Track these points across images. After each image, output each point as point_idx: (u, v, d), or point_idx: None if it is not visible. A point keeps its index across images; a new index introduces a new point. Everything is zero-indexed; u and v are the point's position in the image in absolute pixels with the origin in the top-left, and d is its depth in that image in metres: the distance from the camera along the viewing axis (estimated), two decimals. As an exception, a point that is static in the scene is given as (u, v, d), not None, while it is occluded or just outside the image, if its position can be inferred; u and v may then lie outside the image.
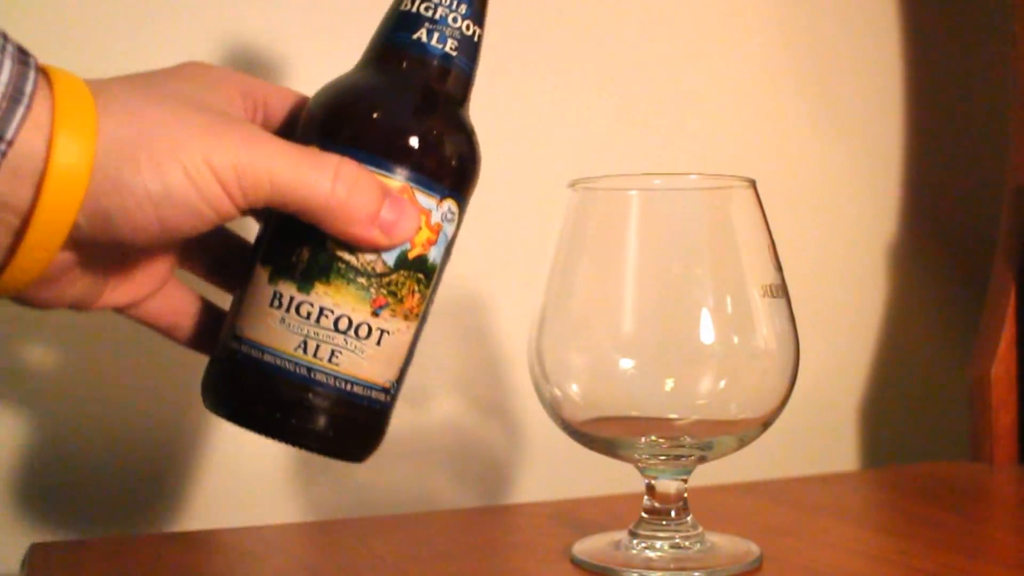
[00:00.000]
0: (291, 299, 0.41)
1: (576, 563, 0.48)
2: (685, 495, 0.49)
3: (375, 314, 0.41)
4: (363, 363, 0.42)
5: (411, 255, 0.42)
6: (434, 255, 0.43)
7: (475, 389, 0.70)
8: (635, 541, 0.49)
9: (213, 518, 0.63)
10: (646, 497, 0.50)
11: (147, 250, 0.42)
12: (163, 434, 0.63)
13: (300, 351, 0.41)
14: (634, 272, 0.48)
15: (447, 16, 0.43)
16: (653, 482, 0.49)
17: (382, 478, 0.67)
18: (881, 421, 0.84)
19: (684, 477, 0.49)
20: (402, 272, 0.42)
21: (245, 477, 0.64)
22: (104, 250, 0.40)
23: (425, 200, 0.42)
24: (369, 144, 0.41)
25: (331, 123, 0.42)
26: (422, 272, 0.43)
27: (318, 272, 0.41)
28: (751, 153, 0.79)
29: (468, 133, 0.45)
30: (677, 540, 0.49)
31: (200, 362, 0.64)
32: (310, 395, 0.41)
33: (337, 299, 0.41)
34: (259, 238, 0.44)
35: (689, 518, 0.49)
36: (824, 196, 0.82)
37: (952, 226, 0.87)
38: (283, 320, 0.41)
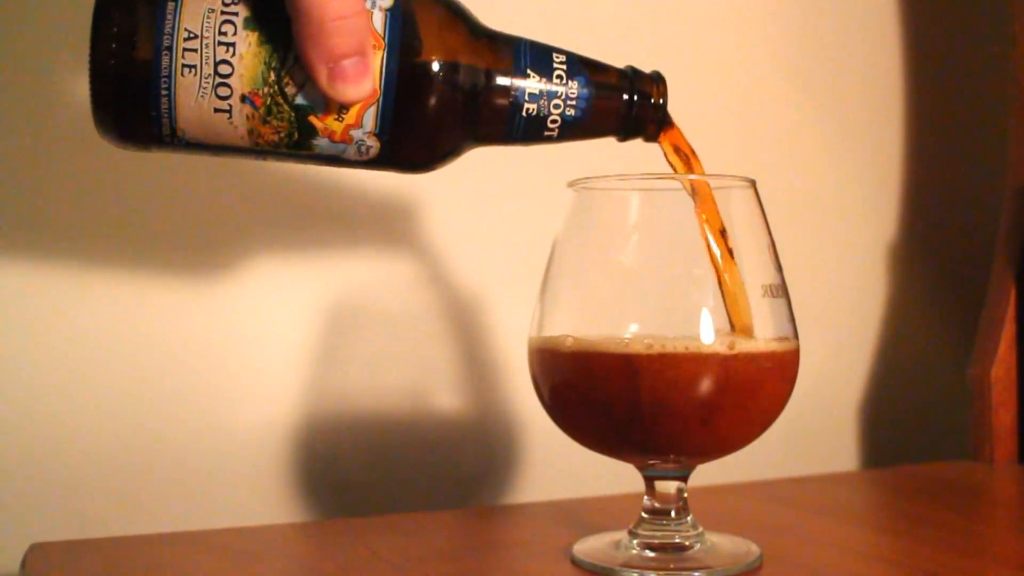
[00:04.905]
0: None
1: (576, 563, 0.48)
2: (685, 495, 0.49)
3: (242, 100, 0.41)
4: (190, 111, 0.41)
5: (315, 115, 0.42)
6: (323, 146, 0.43)
7: (475, 389, 0.70)
8: (635, 541, 0.49)
9: (213, 518, 0.63)
10: (646, 497, 0.50)
11: None
12: (163, 434, 0.63)
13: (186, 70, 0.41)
14: (634, 272, 0.48)
15: (554, 101, 0.44)
16: (653, 482, 0.49)
17: (382, 478, 0.67)
18: (881, 421, 0.84)
19: (684, 477, 0.49)
20: (293, 112, 0.42)
21: (245, 477, 0.64)
22: None
23: (372, 114, 0.42)
24: (405, 42, 0.42)
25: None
26: (302, 135, 0.42)
27: (262, 36, 0.41)
28: (751, 153, 0.79)
29: (421, 166, 0.46)
30: (677, 540, 0.49)
31: (201, 366, 0.64)
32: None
33: (246, 65, 0.41)
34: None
35: (689, 518, 0.49)
36: (824, 196, 0.82)
37: (952, 226, 0.87)
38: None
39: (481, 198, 0.70)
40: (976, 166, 0.87)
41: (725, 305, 0.46)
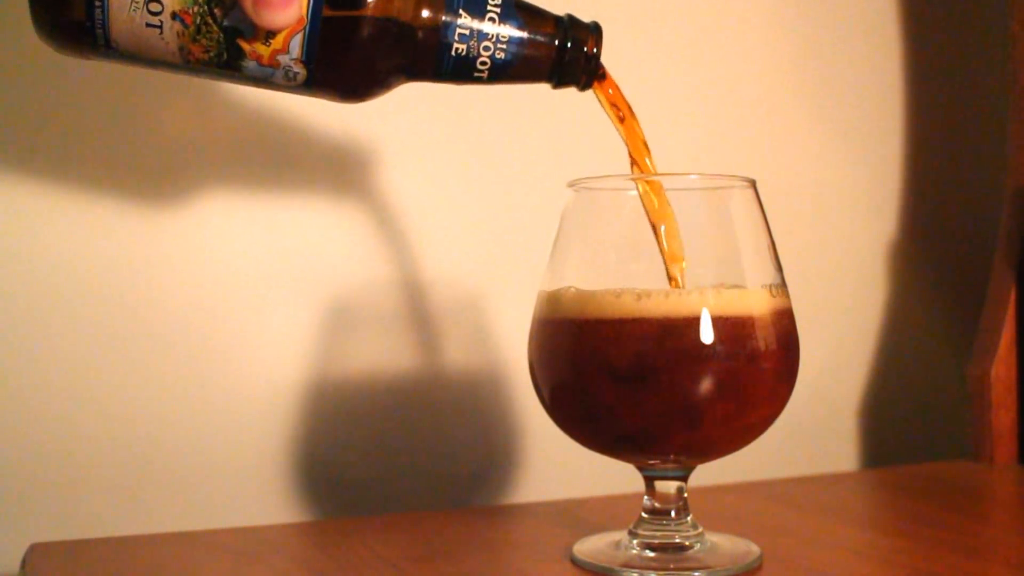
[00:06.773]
0: None
1: (576, 563, 0.49)
2: (685, 495, 0.49)
3: (173, 17, 0.42)
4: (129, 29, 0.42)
5: (243, 39, 0.42)
6: (252, 69, 0.43)
7: (475, 389, 0.70)
8: (635, 541, 0.49)
9: (213, 518, 0.63)
10: (646, 497, 0.50)
11: None
12: (163, 434, 0.63)
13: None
14: (634, 273, 0.48)
15: (484, 43, 0.44)
16: (653, 482, 0.49)
17: (382, 477, 0.67)
18: (881, 421, 0.84)
19: (684, 477, 0.49)
20: (222, 33, 0.42)
21: (245, 477, 0.64)
22: None
23: (298, 42, 0.42)
24: None
25: None
26: (231, 56, 0.43)
27: None
28: (751, 153, 0.79)
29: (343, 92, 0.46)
30: (677, 540, 0.49)
31: (200, 369, 0.64)
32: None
33: None
34: None
35: (689, 518, 0.49)
36: (824, 196, 0.82)
37: (952, 226, 0.87)
38: None
39: (482, 198, 0.70)
40: (976, 166, 0.87)
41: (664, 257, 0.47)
